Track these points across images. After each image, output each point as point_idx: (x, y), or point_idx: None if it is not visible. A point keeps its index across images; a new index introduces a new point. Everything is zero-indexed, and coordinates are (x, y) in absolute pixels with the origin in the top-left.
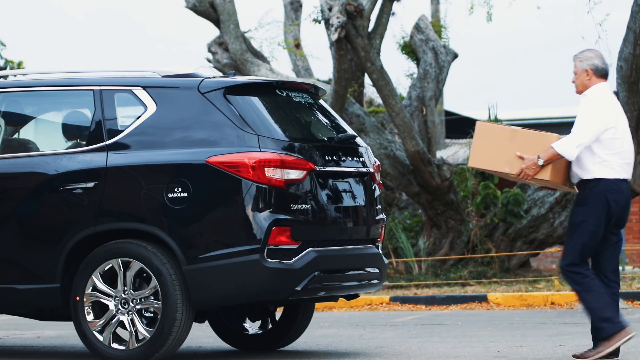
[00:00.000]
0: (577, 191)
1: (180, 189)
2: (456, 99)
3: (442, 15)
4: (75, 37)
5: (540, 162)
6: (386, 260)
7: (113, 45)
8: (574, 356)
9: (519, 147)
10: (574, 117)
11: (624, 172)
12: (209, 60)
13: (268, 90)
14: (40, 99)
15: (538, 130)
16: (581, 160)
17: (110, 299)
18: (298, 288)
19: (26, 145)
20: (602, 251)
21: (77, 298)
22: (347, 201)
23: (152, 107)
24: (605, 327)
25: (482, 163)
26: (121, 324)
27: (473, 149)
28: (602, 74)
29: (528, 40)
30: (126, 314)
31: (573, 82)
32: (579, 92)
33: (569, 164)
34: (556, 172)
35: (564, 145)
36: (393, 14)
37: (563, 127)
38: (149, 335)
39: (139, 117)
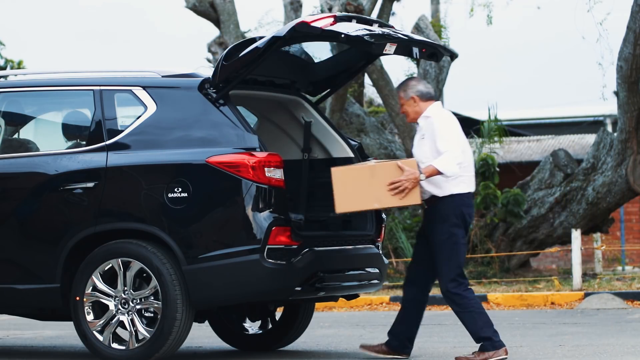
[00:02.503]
0: (426, 206)
1: (180, 189)
2: (456, 99)
3: (442, 15)
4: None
5: (423, 177)
6: (386, 260)
7: (124, 42)
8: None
9: (381, 180)
10: (574, 117)
11: (472, 185)
12: (209, 60)
13: None
14: (40, 99)
15: (393, 160)
16: (433, 177)
17: (110, 299)
18: (298, 288)
19: (26, 145)
20: (429, 264)
21: (77, 298)
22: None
23: (152, 107)
24: (484, 345)
25: (350, 206)
26: (121, 324)
27: (335, 196)
28: (428, 97)
29: (527, 40)
30: (126, 314)
31: (402, 112)
32: (413, 119)
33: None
34: (420, 192)
35: (445, 164)
36: (393, 14)
37: (563, 127)
38: (149, 335)
39: (139, 117)
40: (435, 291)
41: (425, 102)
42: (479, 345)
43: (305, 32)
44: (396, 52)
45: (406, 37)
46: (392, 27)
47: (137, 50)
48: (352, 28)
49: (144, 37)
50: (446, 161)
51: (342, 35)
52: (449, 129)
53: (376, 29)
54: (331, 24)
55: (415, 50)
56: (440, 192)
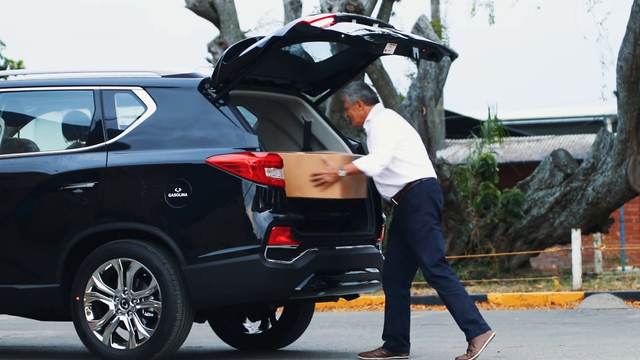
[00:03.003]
0: (396, 203)
1: (180, 189)
2: (456, 99)
3: (442, 15)
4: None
5: (342, 172)
6: None
7: (124, 42)
8: None
9: (305, 171)
10: (574, 117)
11: (433, 172)
12: (209, 60)
13: None
14: (40, 99)
15: (326, 152)
16: (393, 170)
17: (110, 299)
18: (298, 288)
19: (26, 145)
20: (405, 258)
21: (77, 298)
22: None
23: (152, 107)
24: (470, 329)
25: (289, 191)
26: (121, 324)
27: (285, 180)
28: (372, 101)
29: (527, 39)
30: (126, 314)
31: (347, 116)
32: (358, 124)
33: (353, 179)
34: (344, 188)
35: (367, 163)
36: (393, 14)
37: (563, 127)
38: (149, 335)
39: (139, 117)
40: (434, 291)
41: (369, 105)
42: (466, 334)
43: (305, 32)
44: (396, 52)
45: (406, 37)
46: (392, 27)
47: (137, 50)
48: (352, 28)
49: (144, 36)
50: (369, 161)
51: (342, 35)
52: (382, 130)
53: (376, 29)
54: (331, 24)
55: (415, 50)
56: (404, 180)
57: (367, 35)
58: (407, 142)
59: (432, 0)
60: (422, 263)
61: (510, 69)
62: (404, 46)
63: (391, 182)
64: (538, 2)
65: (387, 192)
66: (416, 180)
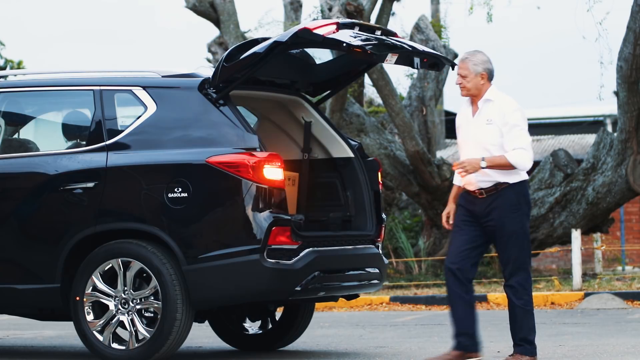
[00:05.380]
0: (484, 196)
1: (180, 189)
2: (456, 99)
3: (442, 15)
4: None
5: (483, 163)
6: (386, 260)
7: (124, 42)
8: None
9: None
10: (574, 117)
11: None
12: (209, 60)
13: None
14: (40, 99)
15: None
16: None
17: (110, 299)
18: (298, 288)
19: (26, 145)
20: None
21: (77, 298)
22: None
23: (152, 107)
24: (526, 347)
25: None
26: (121, 324)
27: None
28: (493, 78)
29: (527, 37)
30: (126, 314)
31: (458, 83)
32: (471, 95)
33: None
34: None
35: (521, 158)
36: (393, 14)
37: (563, 127)
38: (149, 335)
39: (139, 117)
40: (435, 291)
41: (489, 83)
42: (518, 348)
43: (307, 38)
44: (397, 62)
45: (408, 47)
46: (395, 34)
47: (138, 50)
48: (354, 36)
49: (144, 36)
50: (523, 156)
51: (344, 44)
52: (523, 119)
53: (379, 37)
54: (334, 32)
55: (417, 60)
56: (513, 178)
57: (369, 45)
58: None
59: (432, 0)
60: (512, 263)
61: (510, 68)
62: (405, 56)
63: (499, 176)
64: (538, 2)
65: (484, 182)
66: (521, 180)
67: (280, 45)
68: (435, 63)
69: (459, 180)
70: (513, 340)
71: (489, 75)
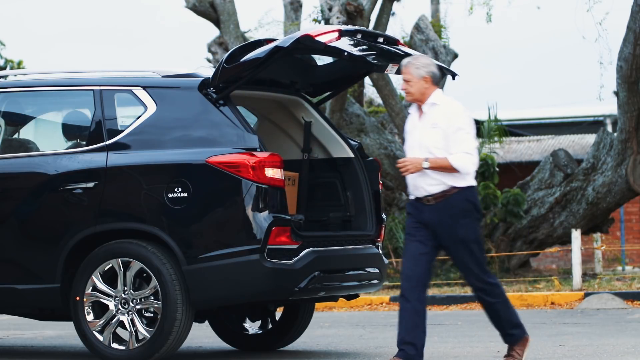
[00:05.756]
0: (432, 203)
1: (180, 189)
2: (456, 99)
3: (442, 15)
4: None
5: (425, 164)
6: (386, 260)
7: (124, 42)
8: None
9: None
10: (574, 117)
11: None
12: (209, 60)
13: None
14: (40, 99)
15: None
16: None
17: (110, 299)
18: (298, 288)
19: (26, 145)
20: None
21: (77, 298)
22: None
23: (152, 107)
24: (515, 334)
25: None
26: (121, 324)
27: None
28: (438, 82)
29: (526, 37)
30: (126, 314)
31: (403, 89)
32: (415, 100)
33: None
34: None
35: (463, 161)
36: (393, 14)
37: (563, 127)
38: (149, 335)
39: (139, 117)
40: (435, 291)
41: (435, 86)
42: (508, 338)
43: (308, 45)
44: (397, 72)
45: (409, 54)
46: (398, 41)
47: (138, 50)
48: (355, 45)
49: (144, 36)
50: (465, 159)
51: (345, 53)
52: (468, 123)
53: (381, 45)
54: (336, 39)
55: None
56: (461, 182)
57: (370, 55)
58: None
59: (432, 0)
60: (470, 270)
61: (510, 68)
62: None
63: (448, 179)
64: (538, 2)
65: (431, 186)
66: (469, 185)
67: (281, 50)
68: None
69: (410, 188)
70: (503, 333)
71: (433, 79)
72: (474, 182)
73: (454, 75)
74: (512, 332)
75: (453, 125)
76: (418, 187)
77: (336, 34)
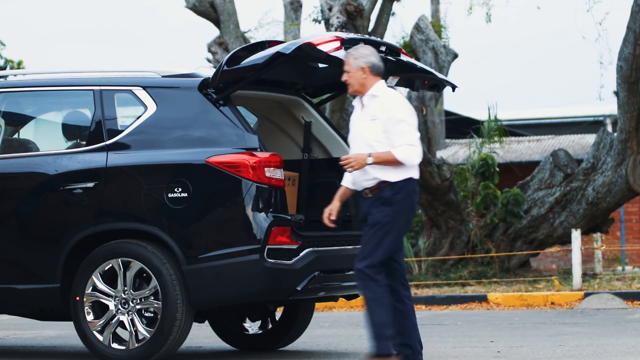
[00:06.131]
0: (369, 194)
1: (180, 189)
2: (456, 99)
3: (442, 15)
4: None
5: (369, 160)
6: None
7: (124, 42)
8: None
9: None
10: (574, 117)
11: (417, 172)
12: (209, 60)
13: None
14: (40, 99)
15: None
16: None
17: (110, 299)
18: (298, 288)
19: (26, 145)
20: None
21: (77, 298)
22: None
23: (152, 107)
24: (377, 345)
25: None
26: (121, 324)
27: None
28: (379, 73)
29: (526, 37)
30: (126, 314)
31: (344, 80)
32: (356, 92)
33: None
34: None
35: (407, 154)
36: (393, 14)
37: (563, 127)
38: (149, 335)
39: (139, 117)
40: (435, 291)
41: (375, 77)
42: (371, 348)
43: (310, 53)
44: (398, 84)
45: (410, 66)
46: (400, 49)
47: (138, 50)
48: None
49: (144, 36)
50: (409, 152)
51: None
52: (408, 114)
53: (382, 55)
54: (337, 49)
55: (417, 83)
56: (394, 177)
57: None
58: None
59: (432, 0)
60: (366, 252)
61: (510, 67)
62: (407, 78)
63: (375, 171)
64: (537, 2)
65: (367, 181)
66: (407, 179)
67: (282, 57)
68: (436, 84)
69: (346, 181)
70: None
71: (372, 70)
72: (414, 174)
73: (453, 87)
74: (375, 341)
75: (393, 118)
76: (356, 182)
77: (338, 44)
